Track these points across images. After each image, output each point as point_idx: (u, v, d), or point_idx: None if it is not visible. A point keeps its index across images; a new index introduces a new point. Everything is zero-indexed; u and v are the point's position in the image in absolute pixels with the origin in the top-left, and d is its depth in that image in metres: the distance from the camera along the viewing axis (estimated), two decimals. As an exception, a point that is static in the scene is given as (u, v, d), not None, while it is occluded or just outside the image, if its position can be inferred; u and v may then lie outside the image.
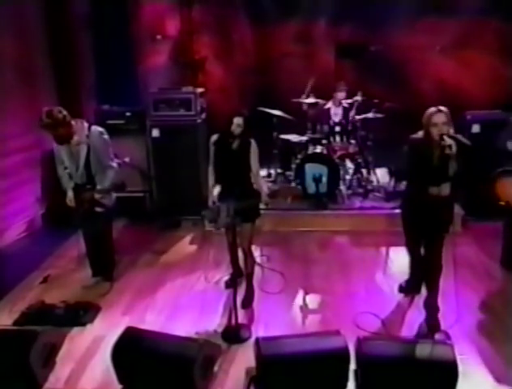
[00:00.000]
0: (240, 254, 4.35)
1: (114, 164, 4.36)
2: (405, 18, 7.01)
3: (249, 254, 4.30)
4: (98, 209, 4.37)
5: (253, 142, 4.08)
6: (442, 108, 3.66)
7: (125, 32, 6.75)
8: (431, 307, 3.85)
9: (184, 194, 6.09)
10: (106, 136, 4.33)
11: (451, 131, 3.62)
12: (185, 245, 5.61)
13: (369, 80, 6.76)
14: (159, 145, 6.09)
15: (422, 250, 3.97)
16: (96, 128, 4.29)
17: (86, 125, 4.26)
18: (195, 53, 7.63)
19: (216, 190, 4.22)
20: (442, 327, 3.79)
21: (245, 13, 7.48)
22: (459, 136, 3.62)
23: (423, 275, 4.05)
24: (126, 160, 5.64)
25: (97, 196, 4.27)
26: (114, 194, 4.50)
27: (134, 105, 6.27)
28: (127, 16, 6.81)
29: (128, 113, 6.17)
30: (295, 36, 7.43)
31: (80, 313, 4.20)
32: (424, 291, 4.03)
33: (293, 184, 6.15)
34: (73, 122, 4.18)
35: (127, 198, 5.96)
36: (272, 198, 4.12)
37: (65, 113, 4.10)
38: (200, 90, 6.26)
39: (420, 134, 3.78)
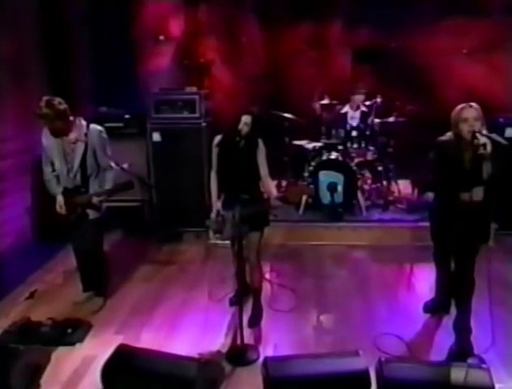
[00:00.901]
0: (247, 267, 4.25)
1: (113, 165, 4.29)
2: (428, 18, 6.91)
3: (256, 268, 4.17)
4: (92, 215, 4.25)
5: (260, 142, 3.98)
6: (473, 103, 3.52)
7: (126, 31, 6.75)
8: (462, 329, 3.68)
9: (186, 204, 6.01)
10: (105, 135, 4.27)
11: (484, 130, 3.46)
12: (187, 259, 5.53)
13: (390, 84, 6.64)
14: (160, 150, 6.02)
15: (452, 265, 3.83)
16: (95, 126, 4.23)
17: (84, 123, 4.20)
18: (201, 56, 7.58)
19: (221, 198, 4.13)
20: (475, 351, 3.63)
21: (255, 14, 7.43)
22: (494, 135, 3.44)
23: (452, 292, 3.87)
24: (125, 166, 5.52)
25: (95, 200, 4.14)
26: (104, 206, 4.39)
27: (134, 107, 6.23)
28: (128, 15, 6.81)
29: (127, 116, 6.13)
30: (308, 40, 7.39)
31: (68, 331, 4.05)
32: (453, 310, 3.85)
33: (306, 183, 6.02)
34: (71, 118, 4.13)
35: (124, 208, 5.98)
36: (283, 201, 3.96)
37: (66, 105, 4.05)
38: (205, 91, 6.25)
39: (449, 134, 3.64)
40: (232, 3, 7.43)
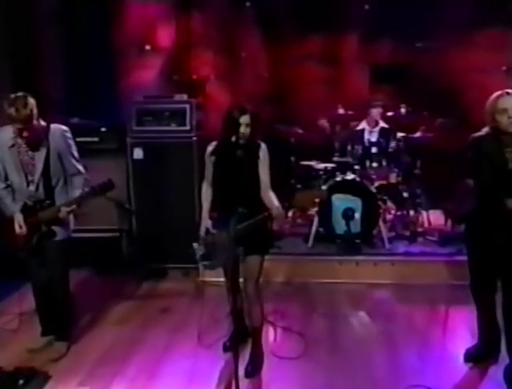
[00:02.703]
0: (244, 305, 4.12)
1: (82, 169, 4.15)
2: (460, 30, 6.88)
3: (256, 302, 3.96)
4: (60, 235, 4.09)
5: (262, 145, 3.87)
6: (510, 90, 3.41)
7: (106, 35, 6.76)
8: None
9: (173, 235, 5.84)
10: (70, 135, 4.16)
11: None
12: (172, 298, 5.40)
13: (414, 104, 6.59)
14: (142, 169, 5.89)
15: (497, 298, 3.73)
16: (58, 126, 4.11)
17: (43, 123, 4.06)
18: (193, 71, 7.58)
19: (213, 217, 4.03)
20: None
21: (257, 25, 7.43)
22: None
23: (500, 333, 3.78)
24: None
25: (64, 212, 3.93)
26: (72, 223, 4.24)
27: (112, 119, 6.16)
28: (109, 16, 6.82)
29: (103, 129, 6.03)
30: (319, 56, 7.40)
31: (20, 382, 3.84)
32: (504, 357, 3.75)
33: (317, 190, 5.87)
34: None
35: (96, 240, 5.91)
36: (290, 210, 3.80)
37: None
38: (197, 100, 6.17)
39: (485, 130, 3.54)
40: (230, 12, 7.43)
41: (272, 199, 3.83)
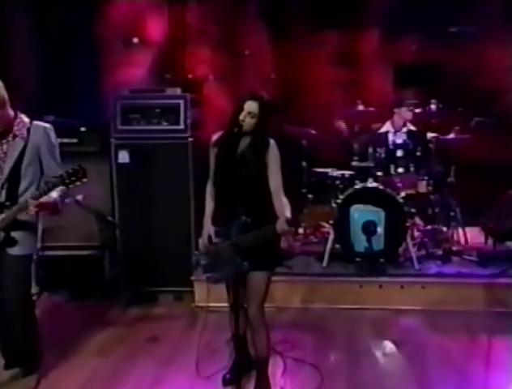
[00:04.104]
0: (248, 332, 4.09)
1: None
2: (498, 23, 6.91)
3: (260, 327, 3.91)
4: (21, 249, 3.99)
5: (272, 141, 3.83)
6: None
7: (86, 24, 6.84)
8: None
9: (164, 253, 5.85)
10: (54, 134, 4.20)
11: None
12: (163, 326, 5.40)
13: (447, 100, 6.57)
14: (128, 175, 5.86)
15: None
16: (41, 123, 4.18)
17: (27, 119, 4.14)
18: (189, 70, 7.63)
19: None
20: None
21: (263, 20, 7.49)
22: None
23: None
24: (78, 197, 5.45)
25: (32, 208, 3.85)
26: (39, 237, 4.21)
27: (93, 117, 6.20)
28: (90, 5, 6.93)
29: (83, 128, 6.04)
30: (335, 55, 7.44)
31: None
32: None
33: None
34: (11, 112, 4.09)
35: (74, 259, 5.90)
36: (297, 225, 3.76)
37: None
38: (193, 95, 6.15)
39: None
40: (231, 3, 7.49)
41: (282, 208, 3.79)
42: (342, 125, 6.70)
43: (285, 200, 3.85)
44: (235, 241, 3.54)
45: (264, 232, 3.64)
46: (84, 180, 3.86)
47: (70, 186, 3.87)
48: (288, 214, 3.82)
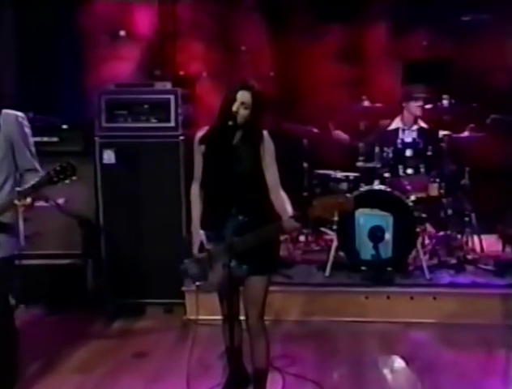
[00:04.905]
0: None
1: (38, 167, 4.08)
2: None
3: (260, 336, 3.89)
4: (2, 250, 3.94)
5: (265, 134, 3.84)
6: None
7: (70, 17, 6.89)
8: None
9: (153, 261, 5.85)
10: (27, 123, 4.13)
11: None
12: (151, 341, 5.42)
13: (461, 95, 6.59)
14: (114, 177, 5.88)
15: None
16: (11, 111, 4.09)
17: None
18: (180, 66, 7.68)
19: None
20: None
21: (261, 13, 7.53)
22: None
23: None
24: (60, 201, 5.45)
25: (20, 199, 3.75)
26: (22, 236, 4.14)
27: (76, 114, 6.25)
28: None
29: (64, 126, 6.05)
30: (339, 50, 7.48)
31: None
32: None
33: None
34: None
35: (54, 268, 5.91)
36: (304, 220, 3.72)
37: None
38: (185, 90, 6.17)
39: None
40: (228, -2, 7.56)
41: (284, 204, 3.77)
42: (340, 134, 6.67)
43: (283, 194, 3.81)
44: (230, 244, 3.51)
45: (267, 231, 3.64)
46: (73, 178, 3.85)
47: (59, 184, 3.86)
48: (290, 208, 3.76)
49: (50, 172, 3.79)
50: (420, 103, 6.35)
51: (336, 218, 5.58)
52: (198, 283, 3.89)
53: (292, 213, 3.67)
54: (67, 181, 3.80)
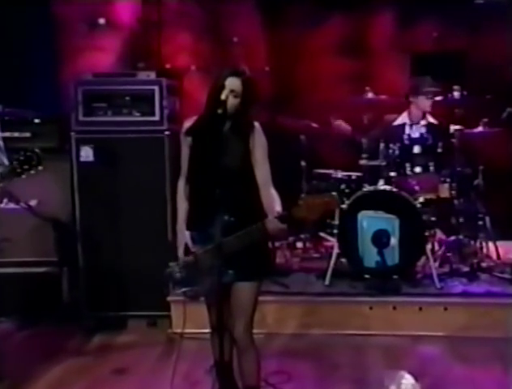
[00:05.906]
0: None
1: (6, 162, 4.20)
2: None
3: (249, 349, 3.89)
4: None
5: (257, 125, 3.83)
6: None
7: (41, 3, 6.96)
8: None
9: (135, 270, 5.87)
10: None
11: None
12: (132, 357, 5.42)
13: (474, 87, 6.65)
14: (92, 176, 5.90)
15: None
16: None
17: None
18: (166, 58, 7.72)
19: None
20: None
21: (256, 2, 7.56)
22: None
23: None
24: (32, 203, 5.49)
25: None
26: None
27: (50, 107, 6.29)
28: None
29: (37, 120, 6.07)
30: (341, 43, 7.53)
31: None
32: None
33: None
34: None
35: (26, 278, 5.93)
36: (289, 221, 3.74)
37: None
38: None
39: None
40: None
41: (273, 203, 3.77)
42: (341, 124, 6.67)
43: (274, 193, 3.81)
44: (218, 245, 3.51)
45: (250, 232, 3.63)
46: (40, 168, 3.90)
47: (23, 176, 3.88)
48: (279, 208, 3.77)
49: (14, 162, 3.84)
50: (430, 97, 6.34)
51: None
52: (184, 289, 3.89)
53: (278, 211, 3.67)
54: (33, 172, 3.85)
